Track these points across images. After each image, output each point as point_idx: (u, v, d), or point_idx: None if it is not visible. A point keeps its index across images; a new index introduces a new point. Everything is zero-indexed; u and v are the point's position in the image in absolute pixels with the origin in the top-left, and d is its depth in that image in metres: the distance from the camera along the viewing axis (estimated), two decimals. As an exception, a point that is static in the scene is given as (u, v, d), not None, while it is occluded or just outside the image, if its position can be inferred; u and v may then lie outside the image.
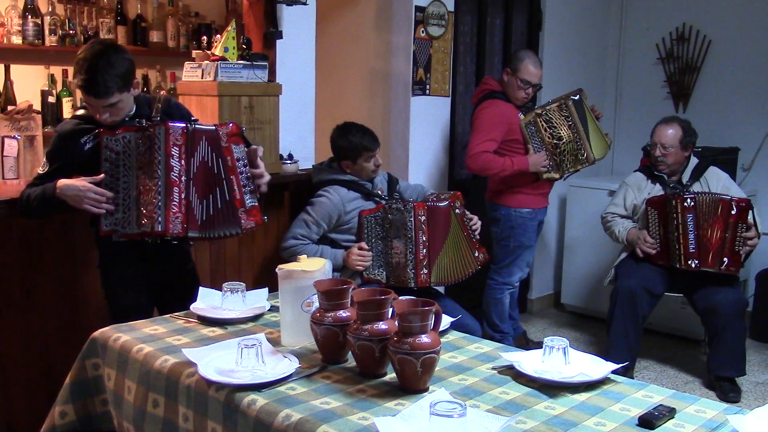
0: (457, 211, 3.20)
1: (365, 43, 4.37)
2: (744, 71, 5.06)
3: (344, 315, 1.92)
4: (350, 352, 1.92)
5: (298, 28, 3.53)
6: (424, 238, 3.12)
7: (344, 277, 3.06)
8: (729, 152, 4.86)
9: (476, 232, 3.26)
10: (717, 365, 3.88)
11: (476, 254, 3.26)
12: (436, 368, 1.85)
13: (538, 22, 4.95)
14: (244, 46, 3.24)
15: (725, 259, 3.71)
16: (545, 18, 4.97)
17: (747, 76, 5.05)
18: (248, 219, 2.59)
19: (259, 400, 1.73)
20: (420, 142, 4.25)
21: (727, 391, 3.82)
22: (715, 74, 5.19)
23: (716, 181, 3.98)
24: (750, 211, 3.74)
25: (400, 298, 1.90)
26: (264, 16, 3.38)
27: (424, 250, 3.13)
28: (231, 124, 2.59)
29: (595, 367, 1.96)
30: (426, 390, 1.80)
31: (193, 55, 3.32)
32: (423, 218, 3.12)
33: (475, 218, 3.28)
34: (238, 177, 2.56)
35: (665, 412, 1.72)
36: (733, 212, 3.70)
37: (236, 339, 1.95)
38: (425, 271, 3.14)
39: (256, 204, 2.61)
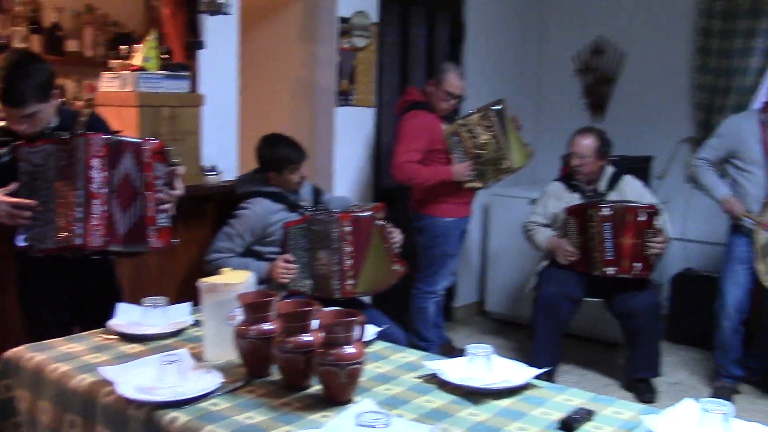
0: (378, 222, 3.21)
1: (290, 53, 4.36)
2: (657, 83, 5.25)
3: (268, 328, 1.90)
4: (275, 366, 1.91)
5: (220, 38, 3.50)
6: (349, 249, 3.12)
7: (270, 290, 3.05)
8: (643, 161, 5.03)
9: (396, 245, 3.28)
10: (634, 367, 4.01)
11: (395, 267, 3.27)
12: (362, 379, 1.85)
13: (461, 34, 5.04)
14: (164, 56, 3.18)
15: (638, 264, 3.84)
16: (467, 30, 5.06)
17: (660, 87, 5.24)
18: (157, 239, 2.52)
19: (181, 417, 1.70)
20: (345, 152, 4.26)
21: (644, 392, 3.95)
22: (629, 86, 5.37)
23: (631, 189, 4.12)
24: (658, 217, 3.87)
25: (325, 309, 1.90)
26: (185, 26, 3.34)
27: (350, 261, 3.13)
28: (156, 141, 2.54)
29: (518, 373, 2.00)
30: (351, 401, 1.80)
31: (112, 65, 3.25)
32: (348, 229, 3.12)
33: (396, 231, 3.30)
34: (154, 195, 2.50)
35: (584, 415, 1.77)
36: (642, 218, 3.83)
37: (157, 355, 1.92)
38: (351, 281, 3.14)
39: (168, 225, 2.54)
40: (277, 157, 3.24)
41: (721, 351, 4.01)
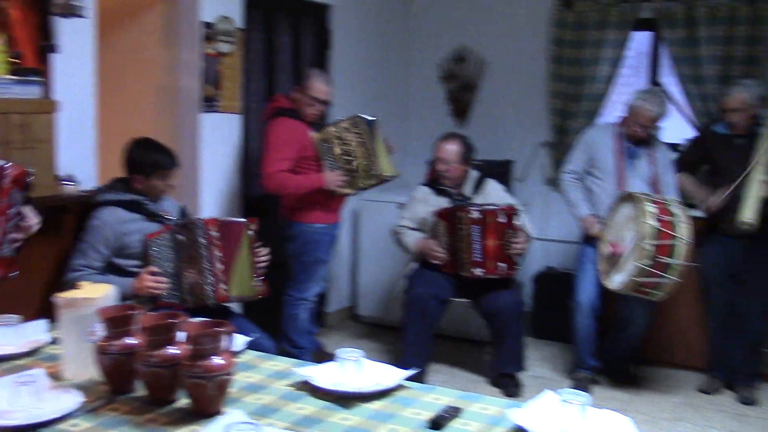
0: (249, 232, 3.17)
1: (152, 58, 4.23)
2: (517, 90, 5.49)
3: (131, 342, 1.84)
4: (140, 381, 1.84)
5: (76, 41, 3.34)
6: (219, 254, 3.06)
7: (140, 303, 2.94)
8: (504, 165, 5.23)
9: (261, 263, 3.22)
10: (500, 363, 4.16)
11: (257, 284, 3.22)
12: (231, 390, 1.82)
13: (327, 41, 5.06)
14: (14, 60, 3.01)
15: (502, 264, 3.98)
16: (334, 37, 5.09)
17: (519, 94, 5.48)
18: None
19: (38, 440, 1.61)
20: (211, 160, 4.18)
21: (510, 386, 4.10)
22: (491, 93, 5.58)
23: (494, 193, 4.27)
24: (517, 217, 4.04)
25: (192, 320, 1.85)
26: (37, 29, 3.17)
27: (221, 266, 3.07)
28: (20, 168, 2.38)
29: (389, 375, 2.02)
30: (220, 413, 1.77)
31: (-46, 70, 3.04)
32: (216, 234, 3.06)
33: (264, 250, 3.24)
34: (4, 222, 2.33)
35: (452, 413, 1.82)
36: (502, 219, 3.98)
37: (10, 376, 1.81)
38: (224, 286, 3.07)
39: (11, 255, 2.38)
40: (148, 161, 3.12)
41: (579, 345, 4.23)
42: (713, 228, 3.90)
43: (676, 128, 4.88)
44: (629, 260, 3.66)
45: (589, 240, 4.14)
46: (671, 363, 4.53)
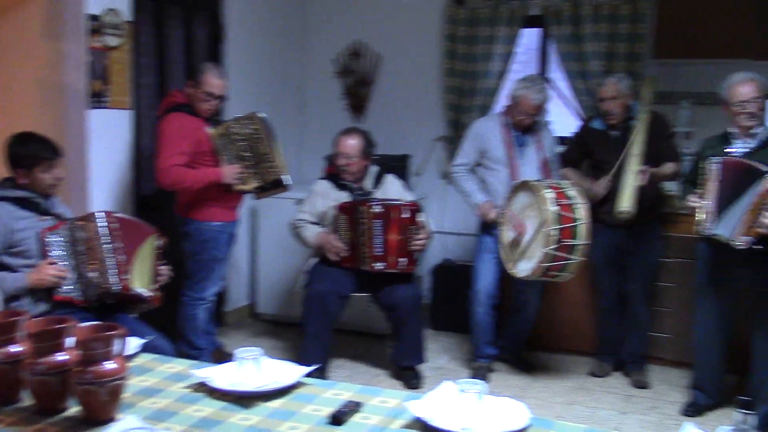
0: (157, 242, 3.15)
1: (32, 52, 4.03)
2: (412, 85, 5.55)
3: (16, 350, 1.75)
4: (26, 390, 1.76)
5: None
6: (120, 244, 3.03)
7: (34, 300, 2.89)
8: (402, 159, 5.28)
9: (161, 276, 3.18)
10: (400, 356, 4.21)
11: (146, 293, 3.14)
12: (125, 394, 1.77)
13: (220, 35, 4.97)
14: None
15: (403, 259, 4.03)
16: (228, 31, 5.00)
17: (415, 88, 5.54)
18: None
19: None
20: (101, 157, 4.02)
21: (411, 378, 4.16)
22: (387, 87, 5.62)
23: (393, 188, 4.31)
24: (420, 213, 4.10)
25: (81, 324, 1.78)
26: None
27: (122, 256, 3.02)
28: None
29: (289, 372, 2.02)
30: (114, 419, 1.71)
31: None
32: (115, 225, 3.04)
33: (166, 269, 3.20)
34: None
35: (353, 407, 1.83)
36: (406, 215, 4.03)
37: None
38: (126, 276, 3.01)
39: None
40: (28, 153, 3.03)
41: (477, 334, 4.33)
42: (596, 218, 4.07)
43: (565, 122, 5.06)
44: (535, 247, 3.77)
45: (487, 229, 4.24)
46: (564, 349, 4.70)
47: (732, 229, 3.36)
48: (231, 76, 4.47)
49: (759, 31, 4.33)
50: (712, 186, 3.47)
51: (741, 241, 3.30)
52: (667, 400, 4.05)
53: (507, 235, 3.98)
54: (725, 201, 3.42)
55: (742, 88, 3.54)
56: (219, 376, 1.95)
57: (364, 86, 5.65)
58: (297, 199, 4.55)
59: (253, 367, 1.97)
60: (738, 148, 3.59)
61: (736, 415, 1.48)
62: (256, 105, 4.28)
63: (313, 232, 4.18)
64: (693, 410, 3.85)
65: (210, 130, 3.91)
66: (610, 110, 4.09)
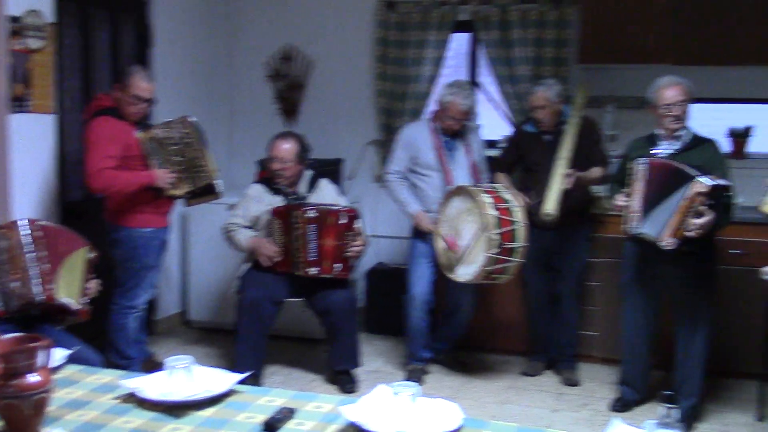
0: (89, 255, 3.07)
1: (-51, 54, 3.88)
2: (344, 89, 5.55)
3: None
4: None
5: None
6: (44, 253, 2.93)
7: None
8: (335, 163, 5.28)
9: (90, 290, 3.09)
10: (335, 361, 4.20)
11: (74, 305, 3.04)
12: (50, 408, 1.71)
13: (147, 38, 4.87)
14: None
15: (338, 265, 4.03)
16: (155, 34, 4.91)
17: (346, 93, 5.54)
18: None
19: None
20: (23, 163, 3.89)
21: (346, 383, 4.15)
22: (319, 91, 5.60)
23: (328, 192, 4.30)
24: (357, 220, 4.10)
25: (3, 336, 1.72)
26: None
27: (47, 265, 2.93)
28: None
29: (221, 380, 1.99)
30: (38, 434, 1.66)
31: None
32: (39, 233, 2.95)
33: (95, 283, 3.13)
34: None
35: (287, 414, 1.82)
36: (343, 221, 4.02)
37: None
38: (51, 285, 2.91)
39: None
40: None
41: (412, 338, 4.36)
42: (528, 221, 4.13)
43: (495, 126, 5.14)
44: (476, 252, 3.81)
45: (420, 234, 4.27)
46: (497, 349, 4.77)
47: (658, 228, 3.46)
48: (159, 80, 4.41)
49: (678, 36, 4.49)
50: (638, 186, 3.57)
51: (667, 243, 3.40)
52: (596, 396, 4.15)
53: (442, 244, 4.01)
54: (651, 201, 3.52)
55: (669, 91, 3.66)
56: (149, 386, 1.91)
57: (296, 90, 5.62)
58: (229, 204, 4.50)
59: (184, 375, 1.93)
60: (663, 149, 3.70)
61: (660, 409, 1.53)
62: (185, 109, 4.21)
63: (246, 236, 4.14)
64: (621, 405, 3.95)
65: (139, 134, 3.83)
66: (540, 119, 4.18)
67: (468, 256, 3.86)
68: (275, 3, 5.63)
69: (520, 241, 3.78)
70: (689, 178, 3.36)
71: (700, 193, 3.31)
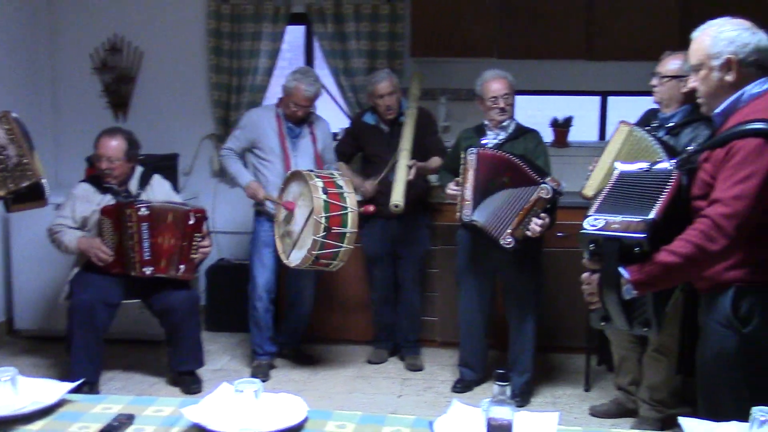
0: None
1: None
2: (178, 81, 5.36)
3: None
4: None
5: None
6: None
7: None
8: (170, 158, 5.10)
9: None
10: (177, 361, 4.08)
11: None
12: None
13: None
14: None
15: (182, 265, 3.91)
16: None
17: (181, 86, 5.36)
18: None
19: None
20: None
21: (189, 383, 4.04)
22: (150, 84, 5.38)
23: (160, 189, 4.15)
24: (205, 222, 4.00)
25: None
26: None
27: None
28: None
29: (51, 390, 1.88)
30: None
31: None
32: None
33: None
34: None
35: (124, 421, 1.75)
36: (191, 222, 3.90)
37: None
38: None
39: None
40: None
41: (256, 331, 4.31)
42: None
43: (332, 118, 5.17)
44: (306, 236, 3.81)
45: (261, 215, 4.23)
46: (342, 339, 4.82)
47: (490, 219, 3.62)
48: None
49: (502, 31, 4.71)
50: (469, 175, 3.71)
51: (507, 241, 3.55)
52: (439, 379, 4.30)
53: (281, 225, 4.00)
54: (482, 189, 3.68)
55: (494, 84, 3.84)
56: (-32, 402, 1.77)
57: (125, 83, 5.37)
58: (56, 204, 4.24)
59: (9, 388, 1.81)
60: (491, 139, 3.88)
61: (494, 387, 1.60)
62: (4, 104, 3.92)
63: (73, 237, 3.92)
64: (462, 386, 4.11)
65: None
66: (391, 105, 4.25)
67: (299, 241, 3.87)
68: (98, -10, 5.34)
69: (350, 227, 3.82)
70: (535, 183, 3.50)
71: (543, 199, 3.48)
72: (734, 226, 2.01)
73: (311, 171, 3.94)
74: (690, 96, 3.09)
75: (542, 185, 3.47)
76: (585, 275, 2.25)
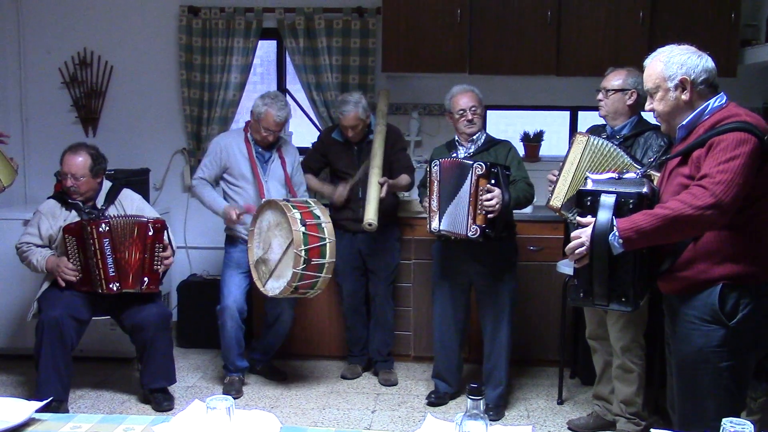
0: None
1: None
2: (148, 95, 5.33)
3: None
4: None
5: None
6: None
7: None
8: (141, 173, 5.06)
9: None
10: (149, 378, 4.02)
11: None
12: None
13: None
14: None
15: (145, 278, 3.87)
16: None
17: (151, 99, 5.33)
18: None
19: None
20: None
21: (161, 401, 3.99)
22: (120, 98, 5.34)
23: (130, 203, 4.11)
24: (165, 231, 3.96)
25: None
26: None
27: None
28: None
29: (18, 409, 1.85)
30: None
31: None
32: None
33: None
34: None
35: (94, 440, 1.72)
36: (150, 233, 3.87)
37: None
38: None
39: None
40: None
41: (228, 348, 4.27)
42: (337, 224, 4.20)
43: (304, 133, 5.18)
44: (284, 267, 3.79)
45: (233, 242, 4.21)
46: (315, 355, 4.80)
47: (454, 223, 3.65)
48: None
49: (474, 47, 4.75)
50: (434, 187, 3.76)
51: (473, 230, 3.58)
52: (413, 394, 4.29)
53: (255, 252, 3.98)
54: (445, 199, 3.72)
55: (461, 98, 3.88)
56: (-67, 423, 1.74)
57: (96, 98, 5.33)
58: (25, 220, 4.19)
59: (-25, 409, 1.78)
60: (462, 153, 3.90)
61: (468, 401, 1.60)
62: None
63: (42, 256, 3.87)
64: (436, 398, 4.11)
65: None
66: (351, 138, 4.27)
67: (276, 271, 3.86)
68: (70, 3, 5.29)
69: (329, 258, 3.82)
70: (468, 167, 3.58)
71: (480, 176, 3.53)
72: (721, 190, 2.20)
73: (287, 201, 3.92)
74: (634, 108, 3.44)
75: (474, 165, 3.55)
76: (575, 232, 2.43)
